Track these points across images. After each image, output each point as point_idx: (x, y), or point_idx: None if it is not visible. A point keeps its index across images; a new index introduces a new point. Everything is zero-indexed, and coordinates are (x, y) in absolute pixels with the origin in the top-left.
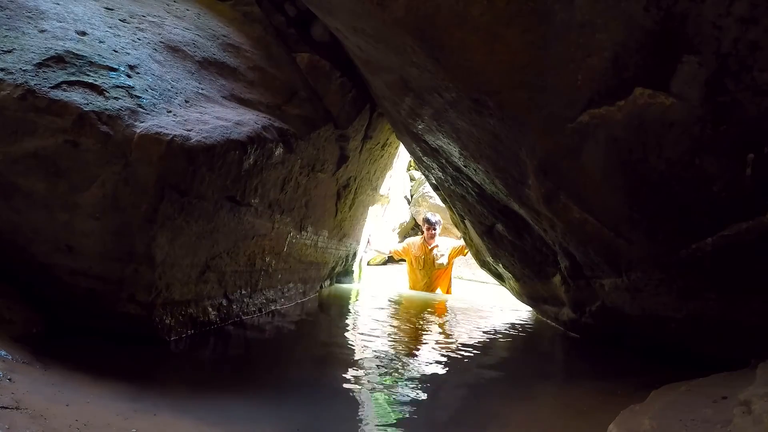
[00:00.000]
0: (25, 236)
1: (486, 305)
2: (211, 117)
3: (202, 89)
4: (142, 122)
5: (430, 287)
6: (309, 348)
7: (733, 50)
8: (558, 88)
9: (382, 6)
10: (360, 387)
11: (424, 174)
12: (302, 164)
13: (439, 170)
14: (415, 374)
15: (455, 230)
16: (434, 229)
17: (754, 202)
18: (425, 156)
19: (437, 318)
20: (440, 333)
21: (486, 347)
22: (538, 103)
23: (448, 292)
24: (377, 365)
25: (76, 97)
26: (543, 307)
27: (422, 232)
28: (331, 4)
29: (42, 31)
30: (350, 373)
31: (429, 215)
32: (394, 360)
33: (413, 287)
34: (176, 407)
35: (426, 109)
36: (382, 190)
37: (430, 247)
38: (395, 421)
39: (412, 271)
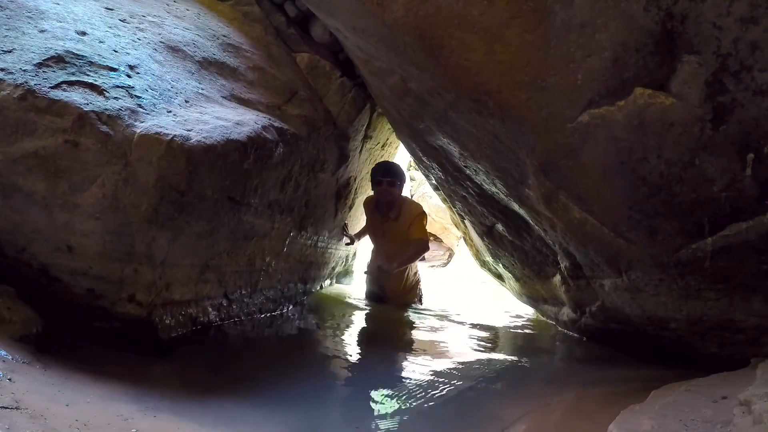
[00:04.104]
0: (25, 236)
1: (484, 305)
2: (211, 117)
3: (202, 89)
4: (142, 122)
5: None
6: (308, 349)
7: (733, 50)
8: (558, 88)
9: (382, 6)
10: (359, 388)
11: (424, 174)
12: (302, 164)
13: (439, 170)
14: (414, 375)
15: (455, 230)
16: (390, 184)
17: (754, 202)
18: (425, 156)
19: (436, 318)
20: (439, 333)
21: (485, 347)
22: (538, 103)
23: (404, 291)
24: (376, 366)
25: (76, 97)
26: (543, 307)
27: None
28: (331, 4)
29: (42, 31)
30: (349, 375)
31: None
32: (393, 361)
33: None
34: (176, 408)
35: (426, 110)
36: None
37: (382, 214)
38: (394, 422)
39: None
